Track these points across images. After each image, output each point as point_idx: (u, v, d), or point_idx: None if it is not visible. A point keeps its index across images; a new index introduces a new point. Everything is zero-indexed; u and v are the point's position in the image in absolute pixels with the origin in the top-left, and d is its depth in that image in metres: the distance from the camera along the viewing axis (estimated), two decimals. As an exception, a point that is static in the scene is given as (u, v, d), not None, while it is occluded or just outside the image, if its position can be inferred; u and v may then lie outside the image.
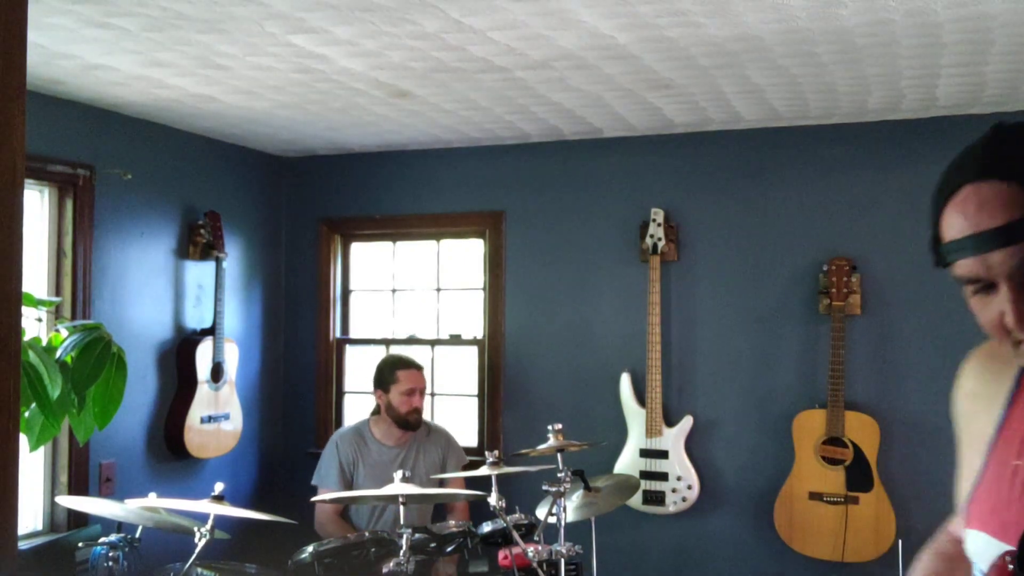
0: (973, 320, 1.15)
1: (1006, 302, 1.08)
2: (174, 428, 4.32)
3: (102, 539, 3.26)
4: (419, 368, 4.34)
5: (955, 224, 1.10)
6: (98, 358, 2.16)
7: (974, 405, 1.33)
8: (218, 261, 4.48)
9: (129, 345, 3.35)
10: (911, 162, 4.17)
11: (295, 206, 5.20)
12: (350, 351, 5.19)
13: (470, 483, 3.94)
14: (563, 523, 3.43)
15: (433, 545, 3.46)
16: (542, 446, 3.55)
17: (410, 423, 4.28)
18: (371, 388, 4.39)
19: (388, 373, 4.29)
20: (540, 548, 3.34)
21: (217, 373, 4.47)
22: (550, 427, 3.58)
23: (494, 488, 3.27)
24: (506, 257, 4.79)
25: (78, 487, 3.90)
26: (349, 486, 4.25)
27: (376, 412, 4.40)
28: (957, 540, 1.38)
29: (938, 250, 1.14)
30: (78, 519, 3.84)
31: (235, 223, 4.77)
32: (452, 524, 3.61)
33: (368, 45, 3.14)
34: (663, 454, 4.38)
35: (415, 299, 5.11)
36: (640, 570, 4.53)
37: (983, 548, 1.20)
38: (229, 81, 3.60)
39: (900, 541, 3.79)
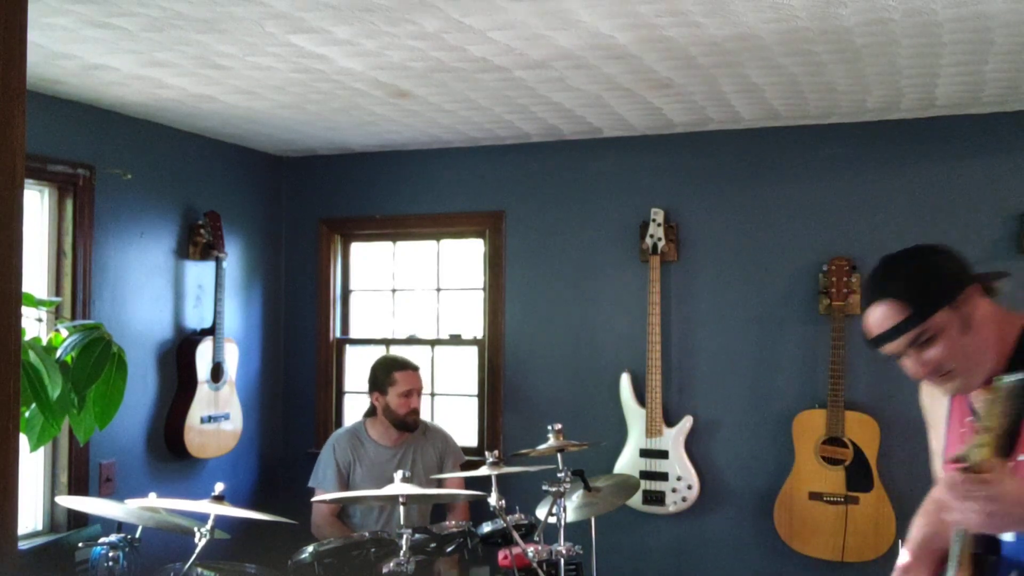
0: None
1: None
2: (174, 428, 4.32)
3: (102, 539, 3.26)
4: (415, 368, 4.33)
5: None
6: (98, 358, 2.16)
7: (932, 402, 1.98)
8: (218, 261, 4.48)
9: (129, 345, 3.35)
10: (911, 162, 4.17)
11: (295, 206, 5.20)
12: (350, 351, 5.19)
13: (470, 483, 3.94)
14: (563, 523, 3.43)
15: (433, 545, 3.46)
16: (542, 446, 3.55)
17: (408, 424, 4.28)
18: (368, 389, 4.39)
19: (384, 375, 4.28)
20: (540, 548, 3.34)
21: (217, 373, 4.47)
22: (550, 427, 3.58)
23: (494, 488, 3.27)
24: (506, 257, 4.79)
25: (78, 487, 3.90)
26: (346, 488, 4.24)
27: (371, 413, 4.39)
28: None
29: None
30: (78, 519, 3.84)
31: (235, 223, 4.77)
32: (451, 524, 3.61)
33: (368, 45, 3.14)
34: (663, 454, 4.38)
35: (415, 299, 5.11)
36: (640, 570, 4.53)
37: None
38: (229, 81, 3.60)
39: (900, 541, 3.78)
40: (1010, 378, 1.53)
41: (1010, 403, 1.51)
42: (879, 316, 1.78)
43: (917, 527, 2.02)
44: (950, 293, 1.75)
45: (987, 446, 1.52)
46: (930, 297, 1.75)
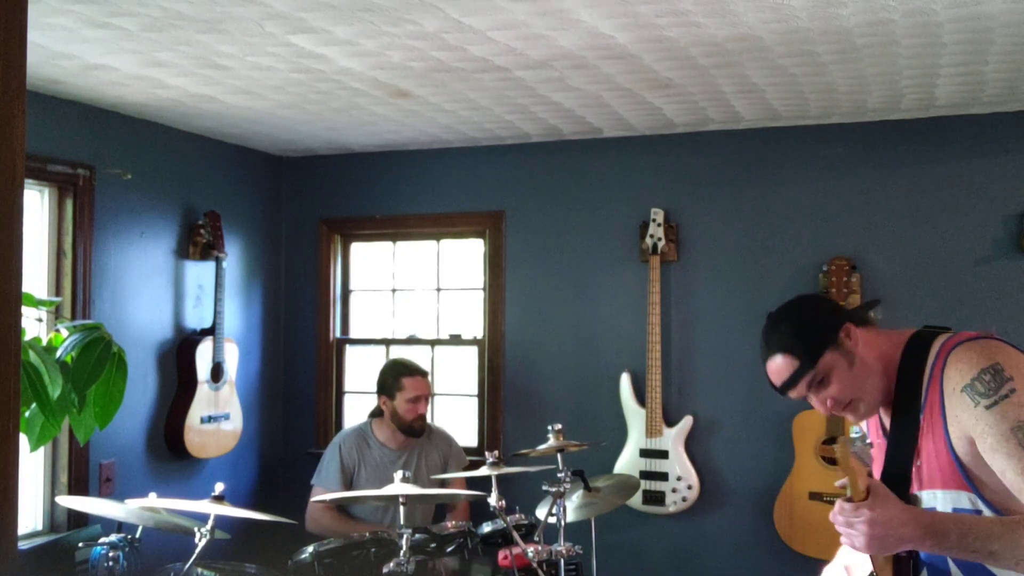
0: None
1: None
2: (174, 428, 4.32)
3: (102, 539, 3.26)
4: (424, 375, 4.33)
5: None
6: (98, 358, 2.16)
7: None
8: (218, 261, 4.48)
9: (129, 345, 3.35)
10: (911, 162, 4.17)
11: (295, 206, 5.20)
12: (350, 351, 5.19)
13: (470, 483, 3.94)
14: (563, 523, 3.43)
15: (433, 545, 3.46)
16: (542, 446, 3.55)
17: (415, 430, 4.28)
18: (372, 389, 4.39)
19: (393, 380, 4.27)
20: (540, 548, 3.34)
21: (217, 373, 4.47)
22: (550, 427, 3.58)
23: (494, 488, 3.27)
24: (506, 257, 4.79)
25: (78, 487, 3.90)
26: (349, 488, 4.24)
27: (376, 414, 4.39)
28: None
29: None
30: (78, 519, 3.84)
31: (235, 223, 4.77)
32: (451, 524, 3.61)
33: (368, 45, 3.15)
34: (663, 454, 4.38)
35: (415, 299, 5.11)
36: (640, 570, 4.53)
37: None
38: (229, 81, 3.60)
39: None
40: (853, 436, 1.81)
41: (844, 451, 1.77)
42: (775, 369, 1.98)
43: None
44: (830, 335, 1.94)
45: (859, 479, 1.74)
46: (814, 344, 1.93)
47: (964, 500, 1.80)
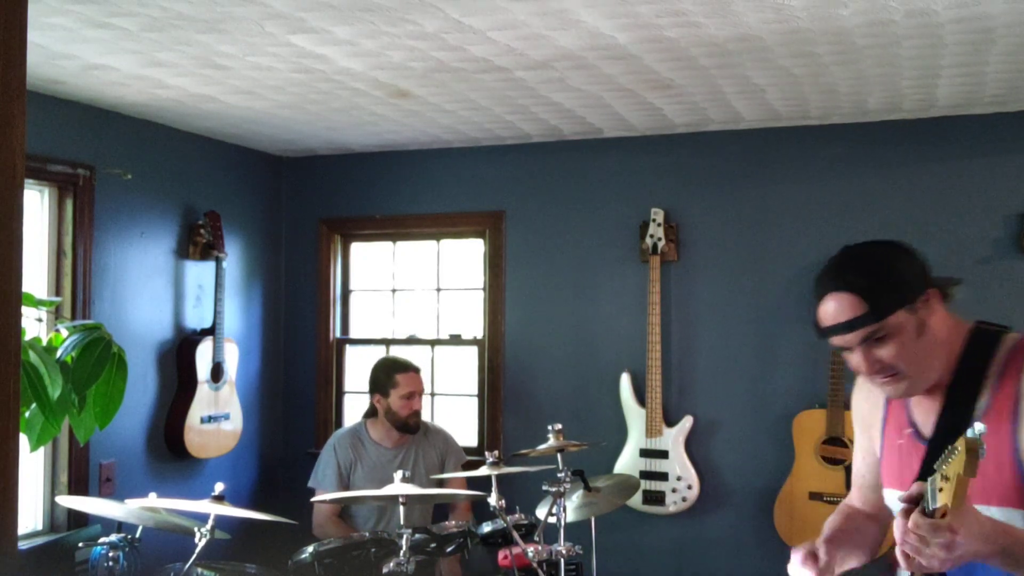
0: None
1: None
2: (174, 428, 4.32)
3: (102, 539, 3.25)
4: (417, 370, 4.33)
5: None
6: (98, 358, 2.16)
7: (867, 403, 1.95)
8: (218, 261, 4.48)
9: (129, 345, 3.35)
10: (911, 162, 4.17)
11: (295, 206, 5.20)
12: (350, 351, 5.19)
13: (470, 483, 3.94)
14: (563, 523, 3.43)
15: (433, 545, 3.45)
16: (542, 446, 3.55)
17: (410, 426, 4.27)
18: (369, 391, 4.39)
19: (386, 377, 4.27)
20: (540, 548, 3.34)
21: (217, 373, 4.47)
22: (550, 427, 3.57)
23: (494, 488, 3.27)
24: (506, 257, 4.79)
25: (78, 487, 3.90)
26: (346, 488, 4.24)
27: (371, 414, 4.38)
28: (854, 503, 2.09)
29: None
30: (78, 519, 3.84)
31: (235, 223, 4.77)
32: (451, 524, 3.61)
33: (368, 45, 3.14)
34: (663, 454, 4.38)
35: (415, 299, 5.11)
36: (640, 570, 4.53)
37: (894, 499, 1.70)
38: (229, 81, 3.60)
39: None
40: (974, 433, 1.43)
41: (974, 456, 1.40)
42: (834, 308, 1.71)
43: (830, 525, 2.02)
44: (910, 295, 1.68)
45: (946, 491, 1.45)
46: (889, 296, 1.67)
47: (1018, 519, 1.57)
